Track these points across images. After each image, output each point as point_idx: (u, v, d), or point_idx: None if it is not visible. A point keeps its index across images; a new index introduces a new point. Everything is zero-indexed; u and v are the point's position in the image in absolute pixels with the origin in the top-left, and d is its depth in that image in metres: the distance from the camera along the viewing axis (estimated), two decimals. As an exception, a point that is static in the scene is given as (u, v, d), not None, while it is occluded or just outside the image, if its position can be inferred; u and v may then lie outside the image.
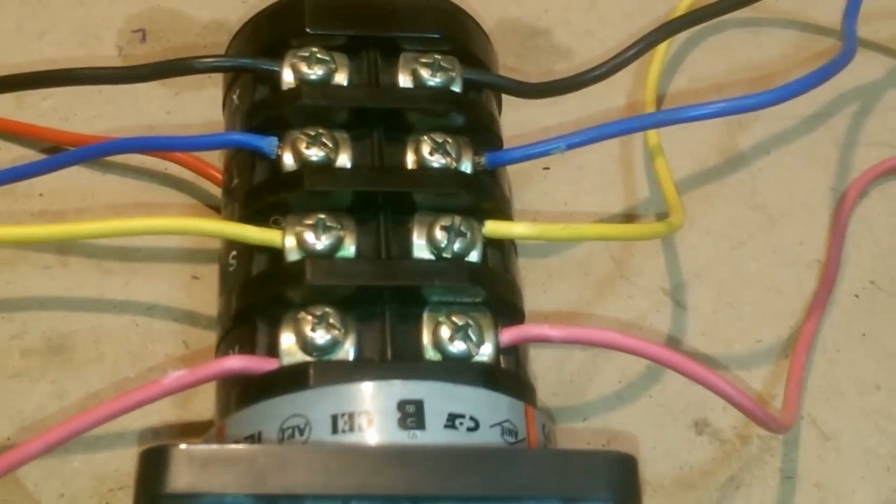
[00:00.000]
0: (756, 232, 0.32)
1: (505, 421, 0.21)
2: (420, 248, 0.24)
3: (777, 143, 0.34)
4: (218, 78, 0.29)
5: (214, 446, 0.19)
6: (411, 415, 0.21)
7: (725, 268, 0.31)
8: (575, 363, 0.29)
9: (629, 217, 0.32)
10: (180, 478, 0.19)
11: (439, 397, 0.21)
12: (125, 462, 0.27)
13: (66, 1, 0.34)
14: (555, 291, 0.30)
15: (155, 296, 0.29)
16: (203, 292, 0.29)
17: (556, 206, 0.32)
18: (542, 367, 0.29)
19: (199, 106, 0.32)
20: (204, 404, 0.27)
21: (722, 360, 0.30)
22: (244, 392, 0.22)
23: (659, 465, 0.28)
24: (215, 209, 0.30)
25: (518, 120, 0.31)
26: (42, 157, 0.31)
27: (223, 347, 0.24)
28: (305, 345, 0.22)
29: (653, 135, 0.31)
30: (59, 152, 0.31)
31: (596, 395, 0.29)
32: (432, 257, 0.24)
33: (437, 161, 0.25)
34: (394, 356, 0.22)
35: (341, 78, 0.26)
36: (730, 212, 0.32)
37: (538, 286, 0.30)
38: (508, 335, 0.23)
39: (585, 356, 0.29)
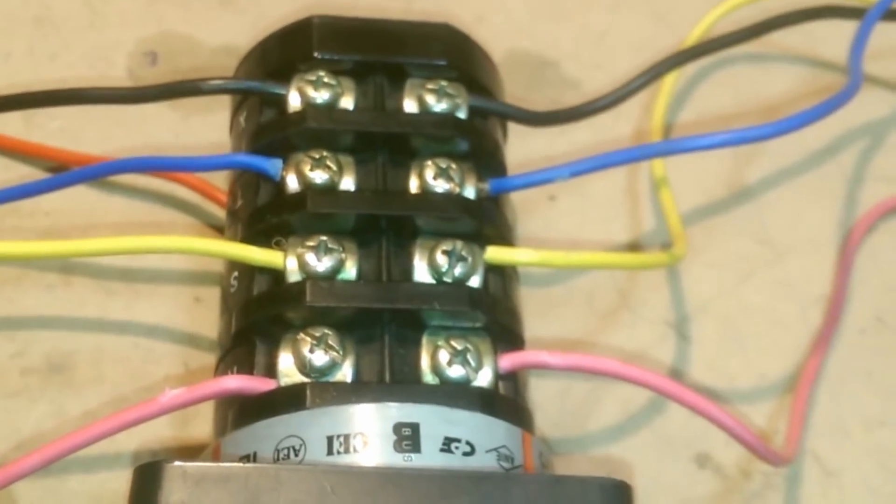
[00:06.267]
0: (762, 266, 0.32)
1: (501, 446, 0.21)
2: (421, 272, 0.24)
3: (785, 177, 0.34)
4: (225, 102, 0.30)
5: (209, 464, 0.20)
6: (407, 438, 0.21)
7: (730, 301, 0.31)
8: (576, 394, 0.29)
9: (633, 247, 0.32)
10: (173, 494, 0.19)
11: (436, 421, 0.21)
12: (121, 483, 0.26)
13: (77, 24, 0.35)
14: (558, 321, 0.30)
15: (157, 317, 0.29)
16: (205, 314, 0.29)
17: (562, 235, 0.32)
18: (544, 397, 0.28)
19: (207, 129, 0.33)
20: (202, 427, 0.27)
21: (725, 394, 0.29)
22: (241, 412, 0.22)
23: (660, 499, 0.28)
24: (220, 230, 0.30)
25: (526, 149, 0.31)
26: (49, 175, 0.31)
27: (222, 367, 0.24)
28: (304, 366, 0.22)
29: (659, 166, 0.31)
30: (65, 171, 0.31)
31: (597, 426, 0.29)
32: (433, 281, 0.24)
33: (440, 186, 0.25)
34: (392, 379, 0.22)
35: (347, 102, 0.26)
36: (736, 245, 0.32)
37: (542, 315, 0.30)
38: (507, 361, 0.23)
39: (587, 387, 0.29)
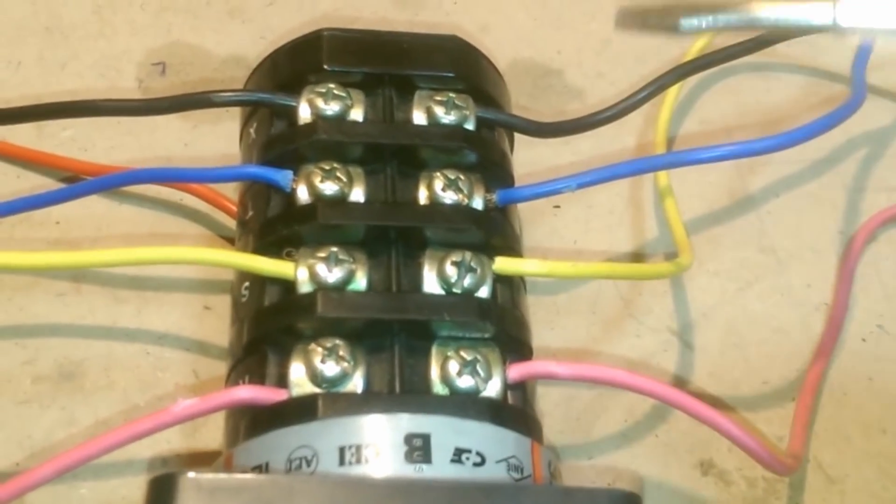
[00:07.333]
0: (764, 274, 0.32)
1: (511, 457, 0.22)
2: (430, 283, 0.24)
3: (786, 186, 0.34)
4: (235, 112, 0.30)
5: (222, 475, 0.20)
6: (418, 448, 0.21)
7: (733, 309, 0.31)
8: (582, 401, 0.29)
9: (638, 256, 0.32)
10: (188, 505, 0.19)
11: (446, 432, 0.21)
12: (133, 490, 0.27)
13: (87, 33, 0.35)
14: (563, 329, 0.30)
15: (166, 325, 0.29)
16: (214, 322, 0.29)
17: (566, 244, 0.32)
18: (549, 404, 0.29)
19: (216, 139, 0.33)
20: (213, 434, 0.27)
21: (728, 402, 0.30)
22: (253, 422, 0.22)
23: (664, 505, 0.28)
24: (229, 241, 0.30)
25: (530, 159, 0.31)
26: (60, 186, 0.31)
27: (233, 377, 0.24)
28: (315, 376, 0.22)
29: (663, 176, 0.32)
30: (76, 182, 0.31)
31: (602, 433, 0.29)
32: (442, 292, 0.24)
33: (449, 197, 0.25)
34: (402, 389, 0.23)
35: (357, 114, 0.27)
36: (738, 253, 0.33)
37: (546, 323, 0.30)
38: (516, 371, 0.23)
39: (592, 394, 0.29)
